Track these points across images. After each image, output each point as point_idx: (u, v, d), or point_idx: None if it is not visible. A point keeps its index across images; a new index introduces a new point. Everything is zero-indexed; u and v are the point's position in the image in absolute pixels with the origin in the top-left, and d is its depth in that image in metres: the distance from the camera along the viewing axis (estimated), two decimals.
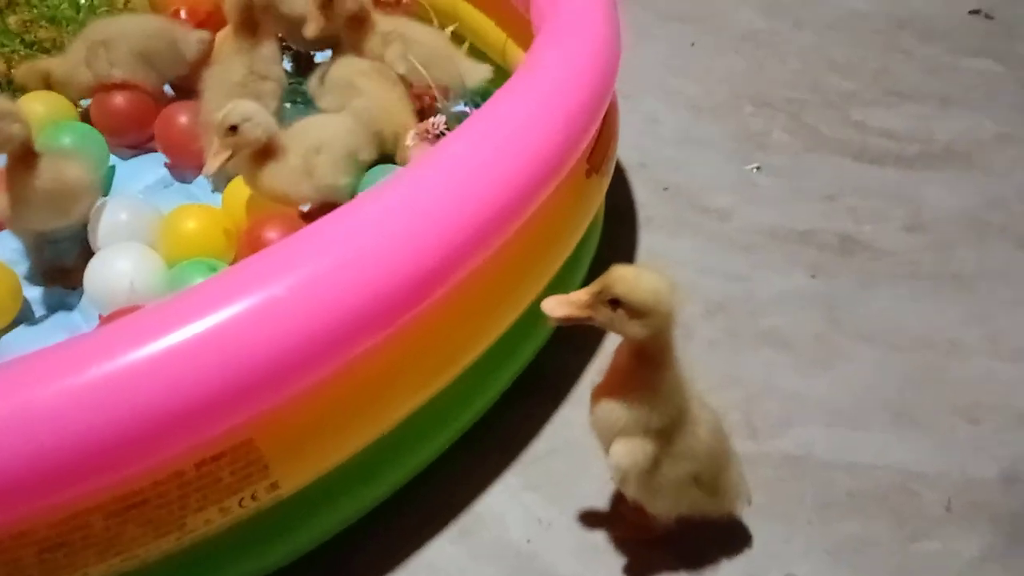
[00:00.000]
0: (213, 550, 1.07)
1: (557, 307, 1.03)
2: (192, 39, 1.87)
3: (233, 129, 1.44)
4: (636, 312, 1.01)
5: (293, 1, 1.78)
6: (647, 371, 1.06)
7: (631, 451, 1.07)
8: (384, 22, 1.73)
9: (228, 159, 1.47)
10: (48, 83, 1.83)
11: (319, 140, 1.53)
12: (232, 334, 0.94)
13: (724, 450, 1.16)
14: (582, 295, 1.03)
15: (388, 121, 1.61)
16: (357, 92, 1.64)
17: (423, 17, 1.89)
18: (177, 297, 0.97)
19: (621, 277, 1.01)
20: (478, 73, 1.74)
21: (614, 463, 1.08)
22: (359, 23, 1.71)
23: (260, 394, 0.96)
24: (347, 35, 1.73)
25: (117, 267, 1.46)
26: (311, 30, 1.67)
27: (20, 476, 0.86)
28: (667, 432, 1.08)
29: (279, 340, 0.95)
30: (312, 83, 1.72)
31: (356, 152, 1.58)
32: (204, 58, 1.87)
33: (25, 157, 1.46)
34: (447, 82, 1.70)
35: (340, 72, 1.68)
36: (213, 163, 1.46)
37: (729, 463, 1.17)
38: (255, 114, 1.46)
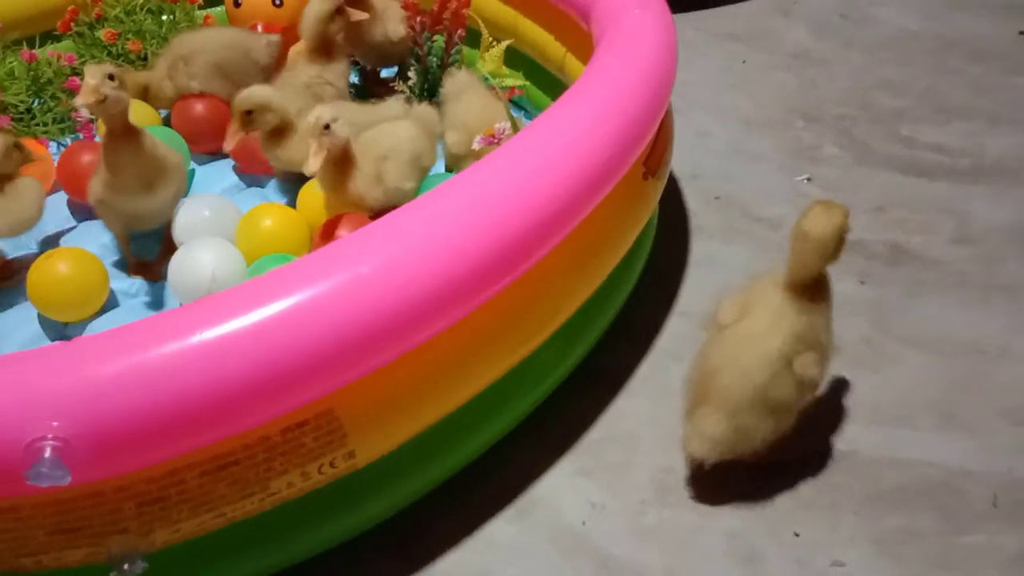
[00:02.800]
0: (290, 516, 1.15)
1: None
2: (262, 43, 1.97)
3: (327, 128, 1.54)
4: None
5: (374, 30, 1.90)
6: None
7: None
8: None
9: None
10: (145, 95, 1.94)
11: (386, 148, 1.64)
12: (321, 308, 1.02)
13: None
14: None
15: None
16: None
17: (474, 29, 1.99)
18: (271, 274, 1.06)
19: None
20: None
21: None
22: None
23: (342, 364, 1.04)
24: None
25: (200, 259, 1.54)
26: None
27: (130, 430, 0.95)
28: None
29: (363, 315, 1.03)
30: None
31: (419, 157, 1.68)
32: (276, 63, 1.98)
33: (125, 130, 1.54)
34: None
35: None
36: (315, 161, 1.53)
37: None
38: (340, 117, 1.55)
